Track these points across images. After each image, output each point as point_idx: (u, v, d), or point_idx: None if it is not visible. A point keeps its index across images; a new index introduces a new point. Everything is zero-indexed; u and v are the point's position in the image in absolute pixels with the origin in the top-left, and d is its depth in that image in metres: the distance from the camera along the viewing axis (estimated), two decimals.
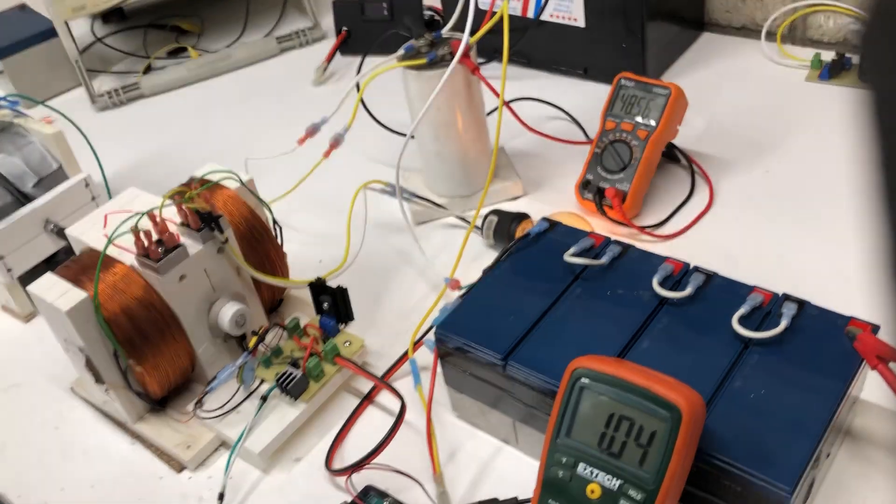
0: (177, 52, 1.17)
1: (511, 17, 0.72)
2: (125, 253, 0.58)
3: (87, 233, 0.61)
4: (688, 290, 0.52)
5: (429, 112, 0.72)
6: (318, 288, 0.63)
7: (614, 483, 0.42)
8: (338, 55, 1.09)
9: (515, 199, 0.79)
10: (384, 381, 0.60)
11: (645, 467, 0.41)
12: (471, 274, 0.62)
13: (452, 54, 0.71)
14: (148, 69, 1.13)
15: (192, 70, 1.10)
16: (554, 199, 0.77)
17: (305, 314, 0.67)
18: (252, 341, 0.60)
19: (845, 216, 0.68)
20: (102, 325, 0.55)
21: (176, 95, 1.09)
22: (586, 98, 0.90)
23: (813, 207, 0.71)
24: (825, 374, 0.47)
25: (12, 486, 0.61)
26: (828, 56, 0.87)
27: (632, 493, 0.41)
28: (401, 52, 0.72)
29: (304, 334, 0.63)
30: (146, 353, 0.57)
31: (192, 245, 0.58)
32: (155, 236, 0.56)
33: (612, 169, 0.73)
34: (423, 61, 0.70)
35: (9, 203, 0.74)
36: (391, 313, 0.69)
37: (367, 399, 0.62)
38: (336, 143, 0.73)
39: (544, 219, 0.62)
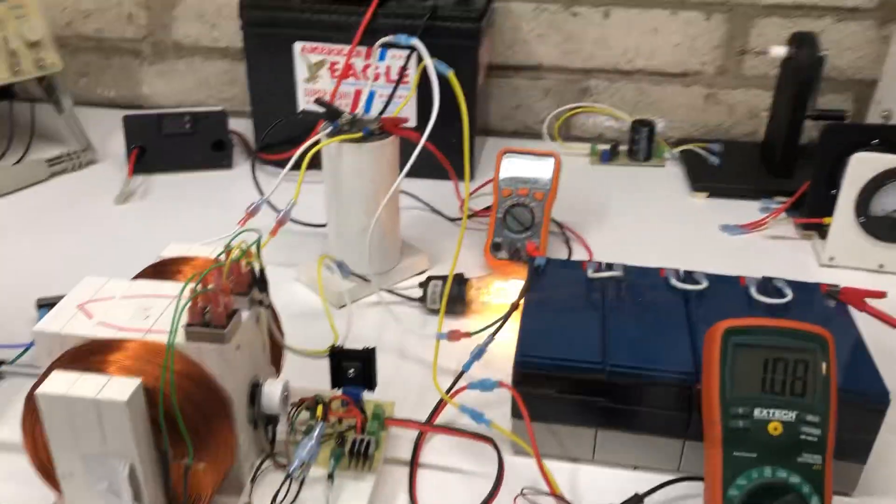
0: None
1: None
2: (123, 332, 0.48)
3: (69, 327, 0.49)
4: (704, 283, 0.62)
5: (360, 188, 0.73)
6: (340, 355, 0.58)
7: (791, 415, 0.48)
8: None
9: (422, 272, 0.82)
10: (471, 432, 0.57)
11: (809, 394, 0.48)
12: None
13: (383, 129, 0.73)
14: None
15: None
16: (458, 267, 0.81)
17: None
18: (319, 410, 0.53)
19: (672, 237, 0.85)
20: (177, 415, 0.45)
21: None
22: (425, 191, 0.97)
23: (651, 240, 0.87)
24: (837, 319, 0.59)
25: None
26: (602, 146, 1.08)
27: (809, 418, 0.48)
28: (328, 130, 0.72)
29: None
30: (211, 447, 0.47)
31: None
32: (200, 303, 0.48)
33: (518, 230, 0.81)
34: (359, 135, 0.71)
35: None
36: (397, 378, 0.66)
37: (415, 462, 0.58)
38: (283, 220, 0.69)
39: (538, 257, 0.66)
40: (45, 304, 0.69)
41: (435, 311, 0.74)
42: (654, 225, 0.92)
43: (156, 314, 0.50)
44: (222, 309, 0.47)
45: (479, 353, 0.61)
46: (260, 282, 0.51)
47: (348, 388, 0.58)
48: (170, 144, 1.01)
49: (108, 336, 0.48)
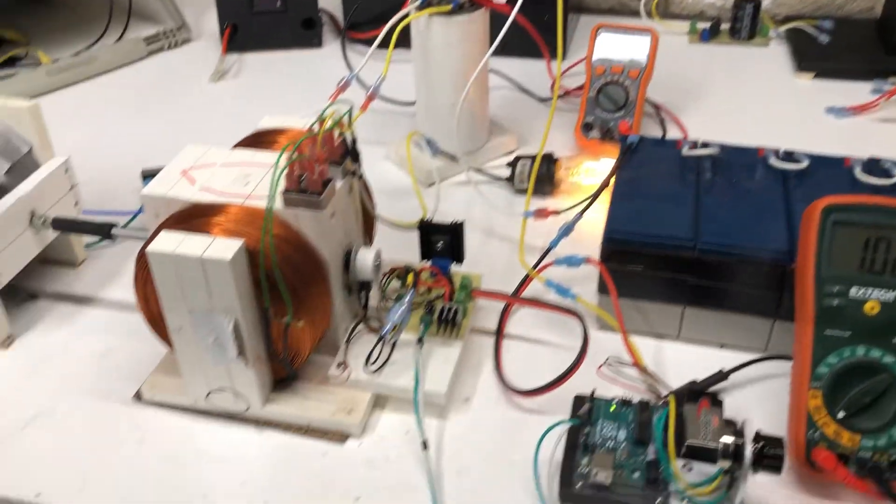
0: (9, 63, 0.99)
1: None
2: (224, 197, 0.50)
3: (174, 191, 0.51)
4: (805, 163, 0.60)
5: (449, 63, 0.72)
6: (429, 228, 0.59)
7: (890, 296, 0.46)
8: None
9: (511, 152, 0.81)
10: (557, 306, 0.58)
11: None
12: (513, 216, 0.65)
13: (473, 1, 0.71)
14: None
15: (51, 76, 0.95)
16: (548, 147, 0.80)
17: None
18: (409, 278, 0.54)
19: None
20: (276, 274, 0.47)
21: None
22: (516, 70, 0.95)
23: (751, 122, 0.84)
24: None
25: None
26: (702, 24, 1.03)
27: None
28: (418, 3, 0.71)
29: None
30: (308, 307, 0.50)
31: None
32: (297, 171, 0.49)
33: (611, 109, 0.79)
34: (448, 8, 0.70)
35: None
36: (483, 255, 0.68)
37: (500, 332, 0.60)
38: (373, 95, 0.70)
39: (631, 135, 0.65)
40: (150, 175, 0.72)
41: (523, 191, 0.74)
42: (754, 106, 0.88)
43: (255, 181, 0.52)
44: (317, 176, 0.49)
45: (567, 230, 0.61)
46: (352, 152, 0.52)
47: (437, 260, 0.59)
48: (261, 23, 1.02)
49: (210, 200, 0.50)
